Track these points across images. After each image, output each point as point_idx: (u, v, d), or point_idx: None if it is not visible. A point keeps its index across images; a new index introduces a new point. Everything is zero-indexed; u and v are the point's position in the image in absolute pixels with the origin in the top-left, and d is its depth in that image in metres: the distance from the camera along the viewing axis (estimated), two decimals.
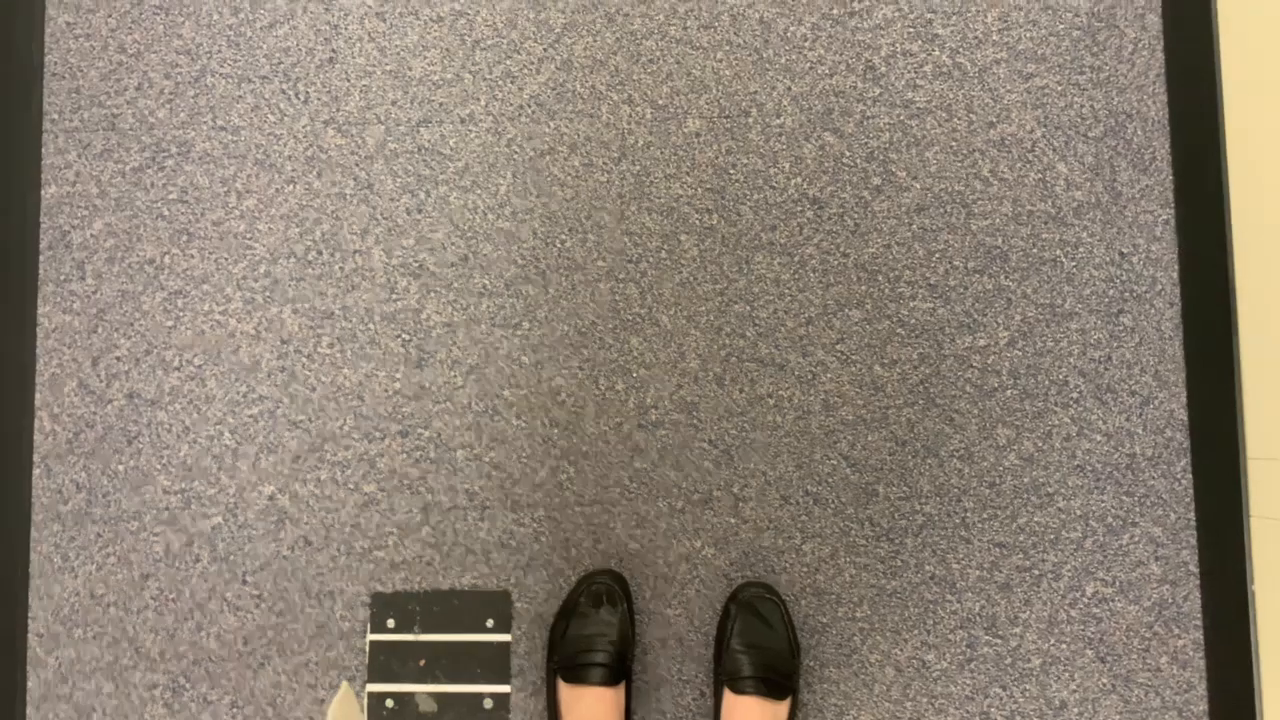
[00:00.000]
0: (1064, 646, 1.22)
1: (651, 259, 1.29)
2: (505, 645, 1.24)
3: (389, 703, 1.24)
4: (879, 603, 1.23)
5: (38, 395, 1.30)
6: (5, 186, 1.33)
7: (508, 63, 1.33)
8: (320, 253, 1.31)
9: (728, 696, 1.16)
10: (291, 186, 1.32)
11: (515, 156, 1.31)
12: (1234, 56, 1.27)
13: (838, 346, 1.27)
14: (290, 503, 1.27)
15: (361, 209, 1.31)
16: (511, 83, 1.32)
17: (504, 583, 1.25)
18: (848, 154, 1.30)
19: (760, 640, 1.17)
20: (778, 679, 1.16)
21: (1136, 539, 1.23)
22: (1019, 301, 1.27)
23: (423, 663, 1.24)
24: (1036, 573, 1.23)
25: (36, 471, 1.29)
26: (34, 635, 1.26)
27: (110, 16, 1.35)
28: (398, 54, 1.33)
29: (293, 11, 1.34)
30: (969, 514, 1.24)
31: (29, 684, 1.26)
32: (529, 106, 1.32)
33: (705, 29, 1.32)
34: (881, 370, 1.26)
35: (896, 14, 1.31)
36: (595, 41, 1.32)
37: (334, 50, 1.34)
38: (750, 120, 1.30)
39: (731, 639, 1.18)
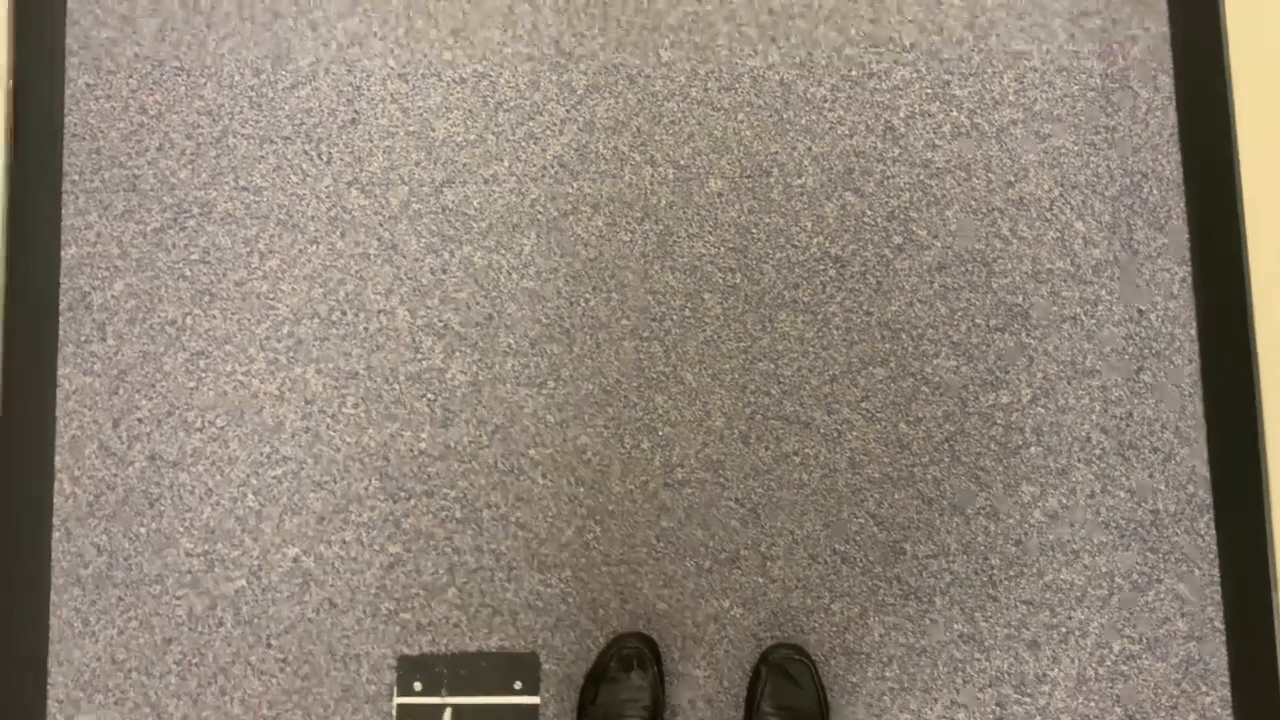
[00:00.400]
0: (1093, 704, 1.22)
1: (675, 317, 1.30)
2: (534, 708, 1.23)
3: None
4: (908, 662, 1.23)
5: (58, 458, 1.29)
6: (26, 248, 1.33)
7: (531, 124, 1.34)
8: (344, 313, 1.31)
9: None
10: (315, 247, 1.32)
11: (539, 217, 1.32)
12: (1248, 115, 1.29)
13: (863, 404, 1.28)
14: (315, 564, 1.26)
15: (386, 269, 1.31)
16: (535, 144, 1.33)
17: (531, 644, 1.25)
18: (869, 213, 1.31)
19: (791, 702, 1.17)
20: None
21: (1162, 595, 1.24)
22: (1040, 359, 1.28)
23: None
24: (1064, 630, 1.23)
25: (56, 535, 1.28)
26: (54, 701, 1.25)
27: (131, 78, 1.36)
28: (421, 115, 1.34)
29: (315, 73, 1.35)
30: (996, 571, 1.24)
31: None
32: (552, 167, 1.33)
33: (726, 91, 1.33)
34: (907, 428, 1.27)
35: (915, 75, 1.33)
36: (617, 103, 1.34)
37: (357, 111, 1.34)
38: (772, 180, 1.32)
39: (762, 701, 1.18)
